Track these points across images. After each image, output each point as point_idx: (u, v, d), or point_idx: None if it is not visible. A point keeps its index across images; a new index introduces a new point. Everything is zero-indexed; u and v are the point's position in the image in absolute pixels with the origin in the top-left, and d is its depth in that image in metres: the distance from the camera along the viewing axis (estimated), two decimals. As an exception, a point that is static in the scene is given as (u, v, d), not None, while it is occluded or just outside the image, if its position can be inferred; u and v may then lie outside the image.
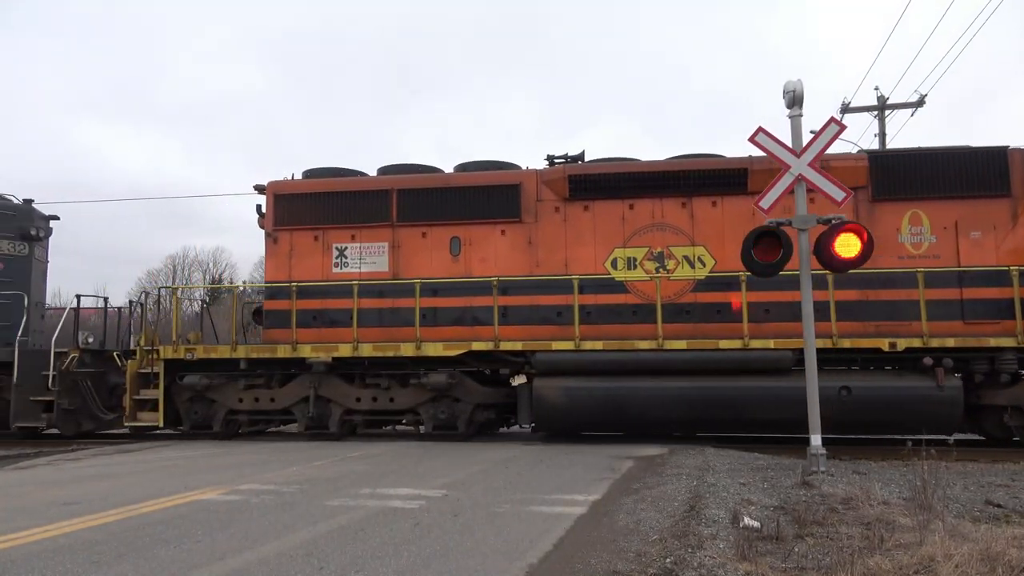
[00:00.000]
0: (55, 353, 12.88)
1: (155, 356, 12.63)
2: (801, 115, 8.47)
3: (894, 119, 24.31)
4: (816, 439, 8.10)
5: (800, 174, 8.23)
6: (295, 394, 12.52)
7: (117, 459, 10.33)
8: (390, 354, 12.02)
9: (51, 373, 12.73)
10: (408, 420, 12.53)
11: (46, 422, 12.92)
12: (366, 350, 12.04)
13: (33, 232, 14.61)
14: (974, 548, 4.31)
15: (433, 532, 5.51)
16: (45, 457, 10.83)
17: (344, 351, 12.10)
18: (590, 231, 12.29)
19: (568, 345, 11.52)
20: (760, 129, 8.35)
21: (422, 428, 12.37)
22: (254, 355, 12.46)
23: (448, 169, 13.41)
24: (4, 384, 13.17)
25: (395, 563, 4.67)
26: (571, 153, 12.98)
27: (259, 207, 13.49)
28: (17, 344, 12.97)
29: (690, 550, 4.73)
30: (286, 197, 13.12)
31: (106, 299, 15.06)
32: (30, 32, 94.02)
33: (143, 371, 12.72)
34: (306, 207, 13.01)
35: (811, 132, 8.42)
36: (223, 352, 12.49)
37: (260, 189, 13.42)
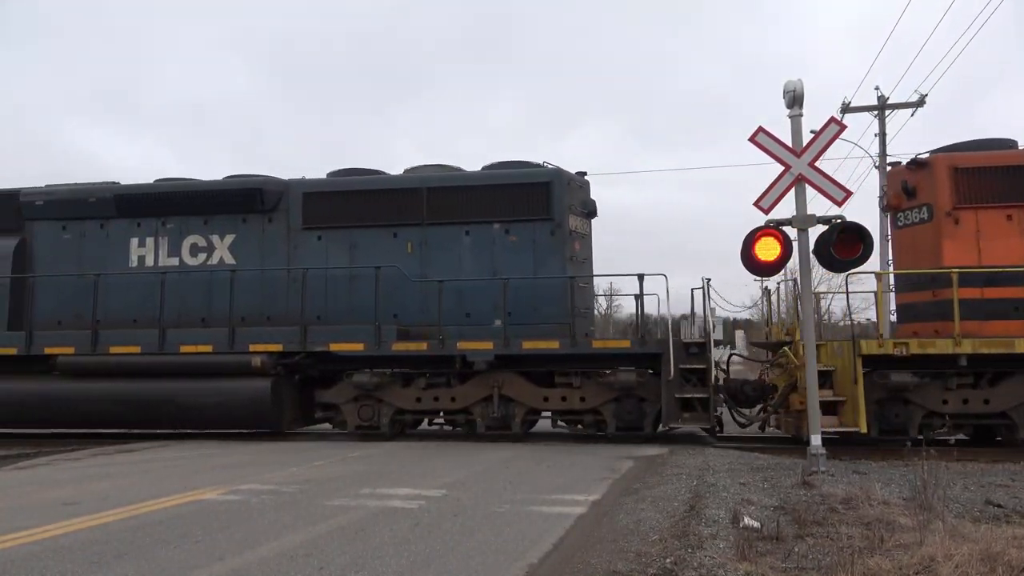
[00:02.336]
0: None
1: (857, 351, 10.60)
2: (801, 115, 8.46)
3: (894, 119, 24.27)
4: (816, 439, 8.09)
5: (800, 174, 8.23)
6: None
7: (117, 459, 10.32)
8: None
9: (714, 369, 11.24)
10: None
11: (704, 422, 11.31)
12: None
13: (594, 208, 13.18)
14: (974, 548, 4.31)
15: (433, 532, 5.51)
16: (45, 457, 10.82)
17: None
18: None
19: None
20: (760, 129, 8.34)
21: None
22: (984, 350, 10.58)
23: None
24: (646, 382, 11.53)
25: (395, 563, 4.67)
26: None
27: (904, 183, 11.74)
28: (670, 335, 11.35)
29: (690, 550, 4.73)
30: (968, 171, 11.34)
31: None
32: (18, 35, 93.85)
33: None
34: (988, 181, 11.31)
35: (811, 132, 8.43)
36: (943, 347, 10.66)
37: (918, 164, 11.64)
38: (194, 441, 12.46)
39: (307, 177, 13.52)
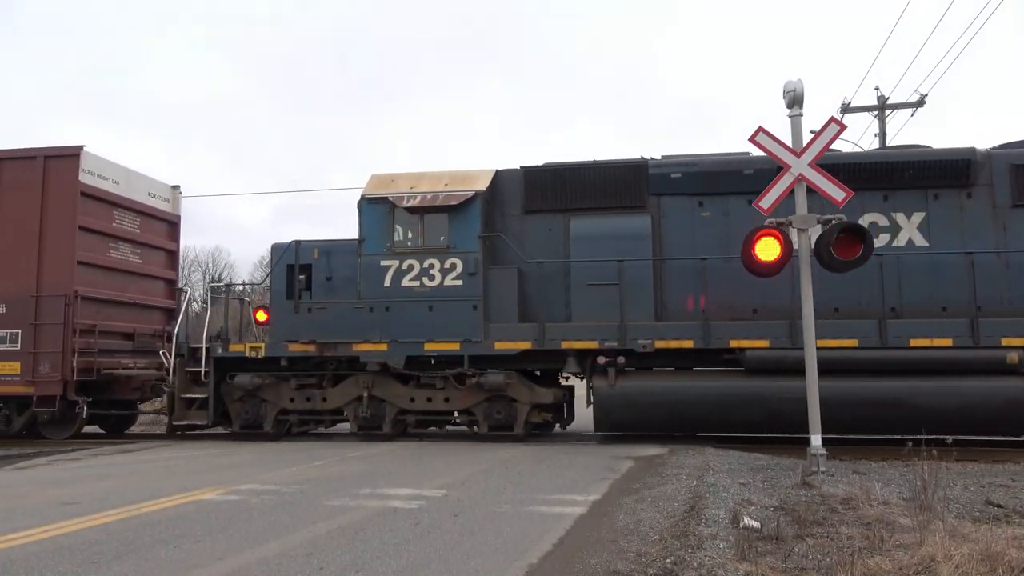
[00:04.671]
0: None
1: None
2: (801, 115, 8.47)
3: (894, 119, 24.28)
4: (816, 439, 8.09)
5: (800, 174, 8.23)
6: None
7: (117, 459, 10.33)
8: None
9: None
10: None
11: None
12: None
13: None
14: (974, 548, 4.31)
15: (433, 532, 5.52)
16: (45, 457, 10.83)
17: None
18: None
19: None
20: (760, 129, 8.35)
21: None
22: None
23: None
24: None
25: (395, 563, 4.67)
26: None
27: None
28: None
29: (690, 550, 4.73)
30: None
31: None
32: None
33: None
34: None
35: (811, 132, 8.44)
36: None
37: None
38: (194, 441, 12.47)
39: (996, 148, 11.80)
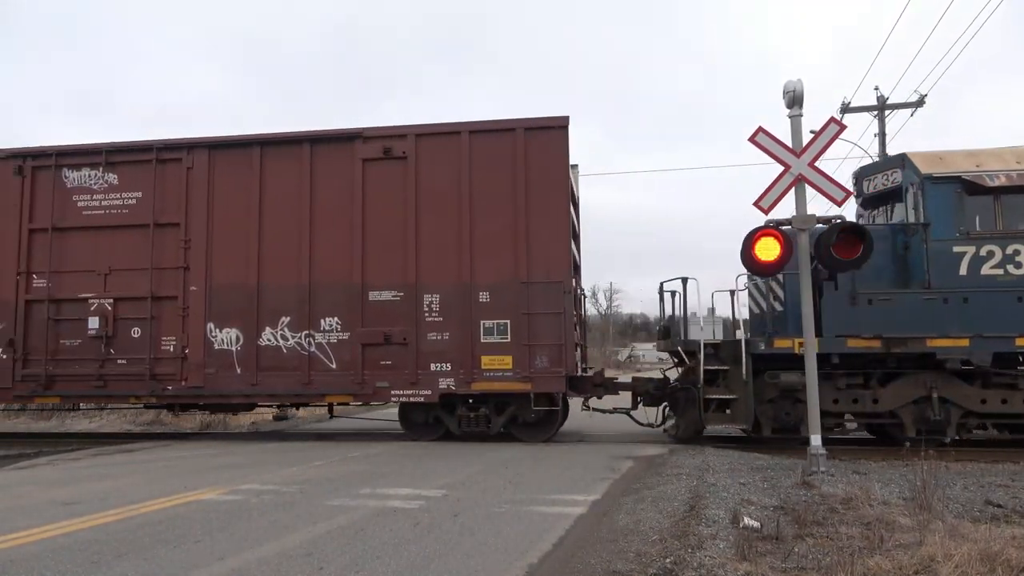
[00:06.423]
0: None
1: None
2: (801, 115, 8.47)
3: (894, 119, 24.32)
4: (816, 439, 8.09)
5: (800, 174, 8.24)
6: None
7: (117, 459, 10.32)
8: None
9: None
10: None
11: None
12: None
13: None
14: (974, 548, 4.32)
15: (433, 532, 5.52)
16: (45, 457, 10.82)
17: None
18: None
19: None
20: (760, 129, 8.35)
21: None
22: None
23: None
24: None
25: (395, 563, 4.68)
26: None
27: None
28: None
29: (690, 550, 4.74)
30: None
31: None
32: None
33: None
34: None
35: (811, 132, 8.45)
36: None
37: None
38: (194, 441, 12.47)
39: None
